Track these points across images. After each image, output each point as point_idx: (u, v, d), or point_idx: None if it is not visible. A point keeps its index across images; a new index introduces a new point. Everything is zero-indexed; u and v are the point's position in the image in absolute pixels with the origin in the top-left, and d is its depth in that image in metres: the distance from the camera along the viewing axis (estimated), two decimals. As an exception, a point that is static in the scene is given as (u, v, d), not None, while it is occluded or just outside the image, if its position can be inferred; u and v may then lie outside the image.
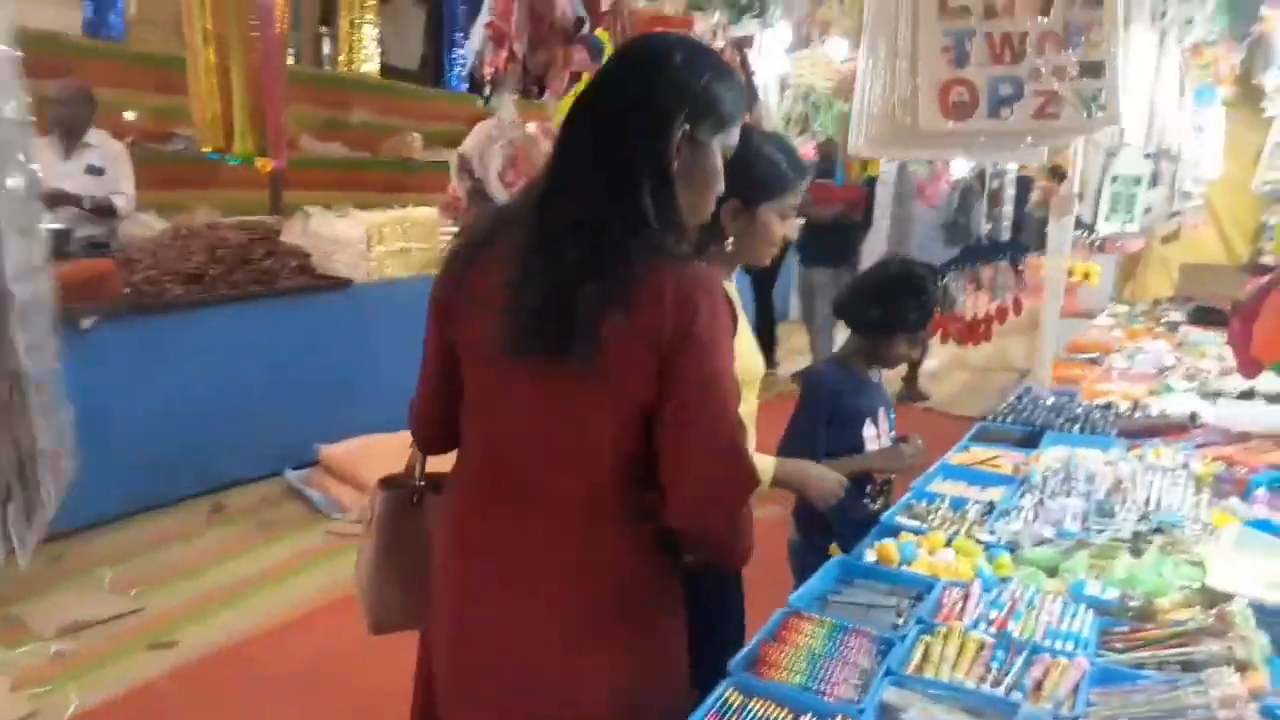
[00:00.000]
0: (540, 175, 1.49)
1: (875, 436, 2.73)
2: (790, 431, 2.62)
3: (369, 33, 9.57)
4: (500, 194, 2.20)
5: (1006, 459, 3.11)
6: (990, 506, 2.61)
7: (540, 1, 2.13)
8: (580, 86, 2.48)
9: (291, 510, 5.09)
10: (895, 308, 2.65)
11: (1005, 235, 5.23)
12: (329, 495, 5.10)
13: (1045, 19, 1.99)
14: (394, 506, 1.81)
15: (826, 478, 2.33)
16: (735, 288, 2.03)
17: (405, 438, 1.79)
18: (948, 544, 2.31)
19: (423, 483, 1.82)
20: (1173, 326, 6.19)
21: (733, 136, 1.53)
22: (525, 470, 1.47)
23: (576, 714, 1.49)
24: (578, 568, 1.47)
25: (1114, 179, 3.27)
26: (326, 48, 10.03)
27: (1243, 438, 3.29)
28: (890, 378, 3.25)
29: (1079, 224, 3.61)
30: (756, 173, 1.94)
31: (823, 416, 2.62)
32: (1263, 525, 2.29)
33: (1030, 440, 3.33)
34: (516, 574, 1.49)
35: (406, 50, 10.63)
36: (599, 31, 2.51)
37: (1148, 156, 3.57)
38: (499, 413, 1.50)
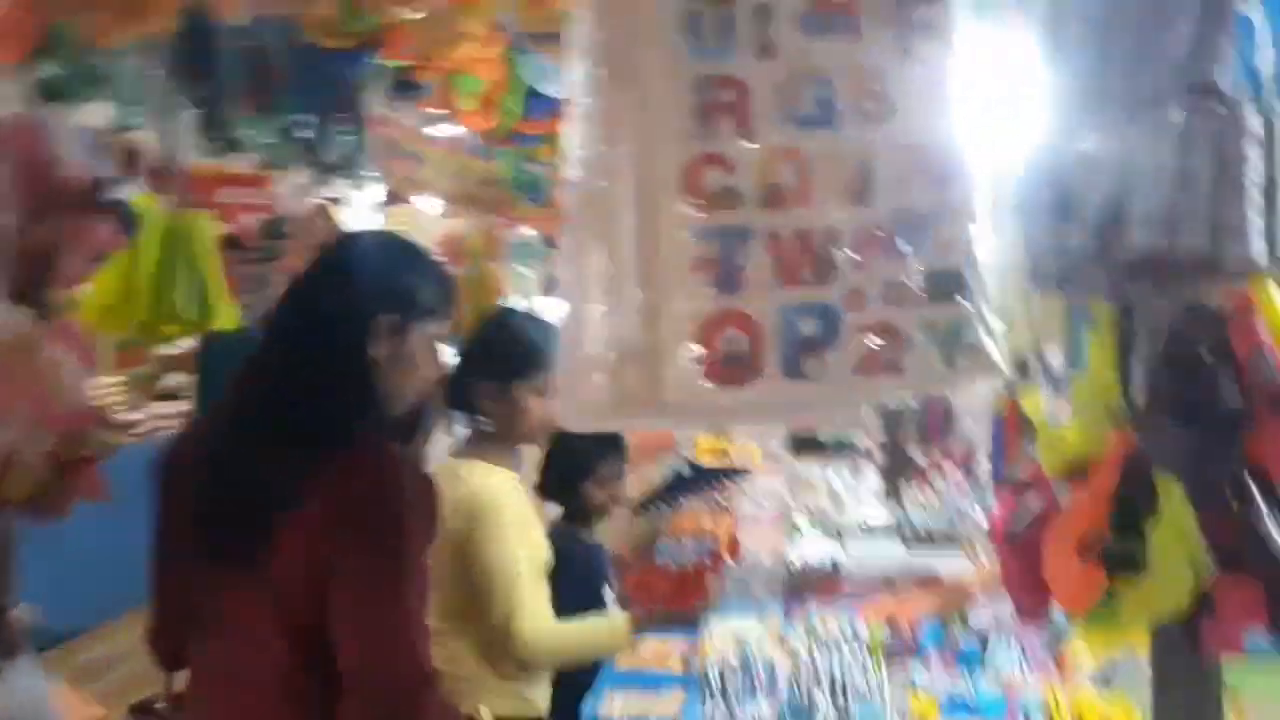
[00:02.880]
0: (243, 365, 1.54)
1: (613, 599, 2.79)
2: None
3: None
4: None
5: (672, 647, 2.81)
6: (675, 727, 2.25)
7: (35, 154, 1.51)
8: (117, 265, 1.89)
9: None
10: (564, 461, 2.81)
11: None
12: None
13: (862, 207, 1.18)
14: None
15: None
16: (512, 474, 2.14)
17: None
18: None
19: (165, 704, 1.82)
20: (773, 457, 6.48)
21: (439, 326, 1.58)
22: (222, 680, 1.45)
23: None
24: None
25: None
26: None
27: (888, 584, 3.30)
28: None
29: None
30: (507, 352, 2.06)
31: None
32: (960, 707, 2.15)
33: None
34: None
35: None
36: (140, 196, 1.93)
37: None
38: (199, 621, 1.48)
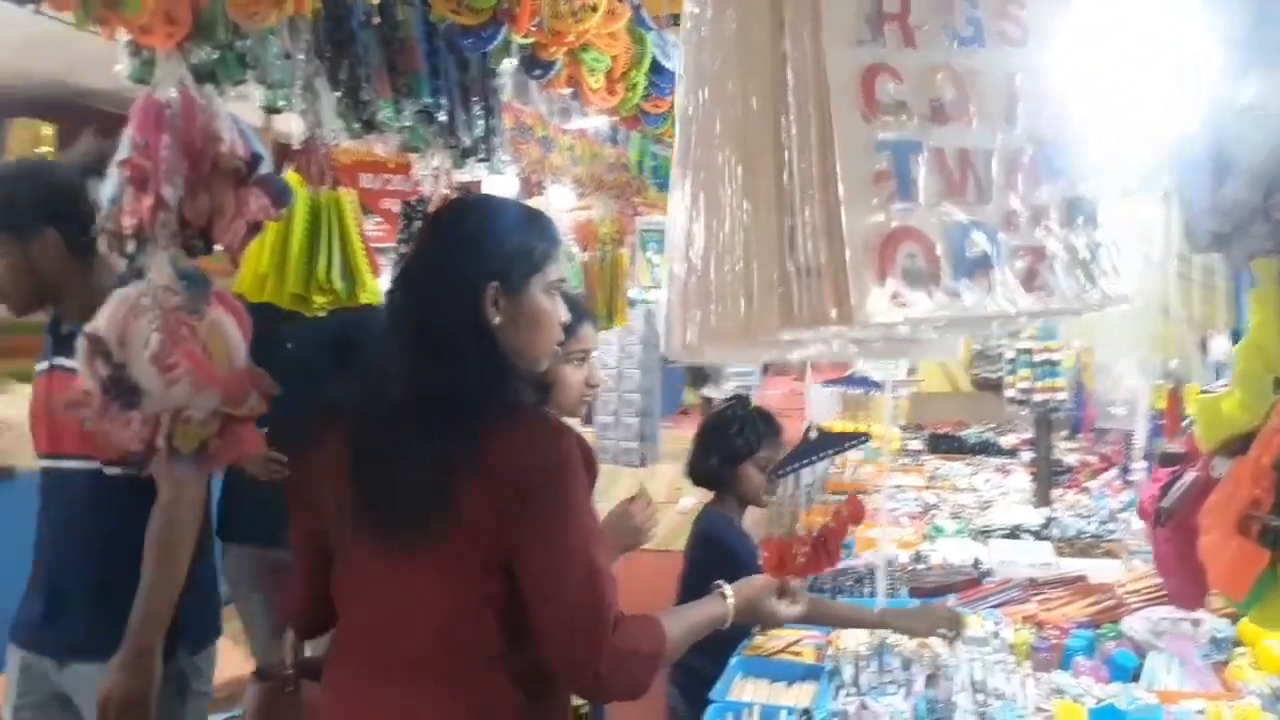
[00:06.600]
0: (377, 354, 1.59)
1: None
2: (690, 586, 2.62)
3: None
4: (153, 383, 1.59)
5: (806, 640, 2.75)
6: (807, 717, 2.20)
7: (199, 135, 1.60)
8: (269, 238, 1.97)
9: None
10: (725, 444, 2.77)
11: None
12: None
13: (1010, 129, 1.16)
14: (266, 698, 1.83)
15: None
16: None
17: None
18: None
19: (292, 670, 1.83)
20: (915, 456, 6.30)
21: (550, 273, 1.59)
22: (388, 637, 1.52)
23: None
24: None
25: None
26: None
27: (1034, 586, 3.15)
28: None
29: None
30: None
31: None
32: (1109, 713, 2.01)
33: (822, 610, 3.00)
34: None
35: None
36: (288, 173, 2.02)
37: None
38: (360, 585, 1.56)
